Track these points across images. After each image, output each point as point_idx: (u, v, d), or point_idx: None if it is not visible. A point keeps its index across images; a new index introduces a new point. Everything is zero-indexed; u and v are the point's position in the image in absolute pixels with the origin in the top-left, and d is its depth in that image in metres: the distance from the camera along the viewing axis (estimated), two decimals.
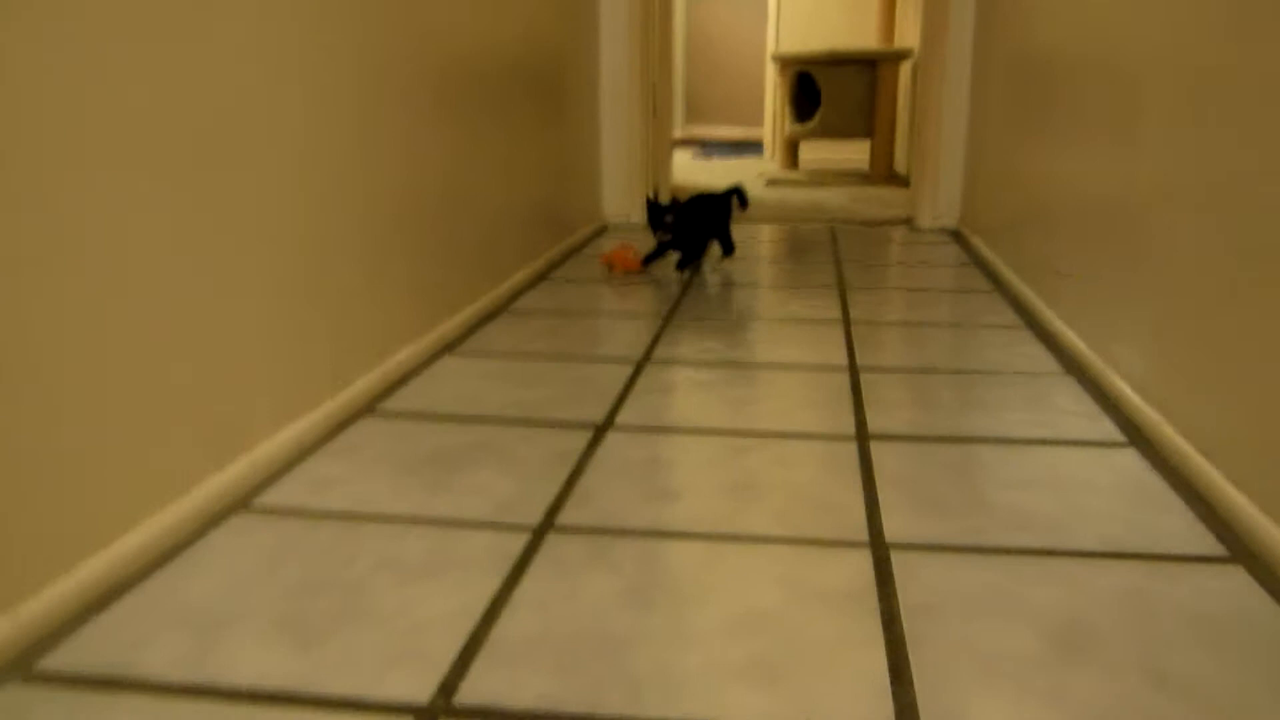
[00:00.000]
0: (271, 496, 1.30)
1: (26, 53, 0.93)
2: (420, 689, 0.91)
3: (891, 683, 0.92)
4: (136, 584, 1.08)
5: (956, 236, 3.32)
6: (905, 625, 1.01)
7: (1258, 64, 1.23)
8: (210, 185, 1.22)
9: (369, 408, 1.63)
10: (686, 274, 2.74)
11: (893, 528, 1.22)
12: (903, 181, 4.55)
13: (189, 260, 1.19)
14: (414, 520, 1.24)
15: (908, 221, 3.57)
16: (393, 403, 1.66)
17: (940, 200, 3.43)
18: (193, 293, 1.20)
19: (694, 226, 2.74)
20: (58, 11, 0.97)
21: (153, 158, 1.12)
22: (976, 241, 3.03)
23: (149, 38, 1.10)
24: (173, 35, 1.14)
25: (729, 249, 2.90)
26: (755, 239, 3.33)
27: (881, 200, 4.10)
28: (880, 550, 1.17)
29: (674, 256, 2.78)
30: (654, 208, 2.68)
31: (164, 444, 1.16)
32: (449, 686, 0.91)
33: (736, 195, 2.88)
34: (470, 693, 0.91)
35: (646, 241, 2.83)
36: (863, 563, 1.14)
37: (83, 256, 1.02)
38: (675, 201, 2.68)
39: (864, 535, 1.20)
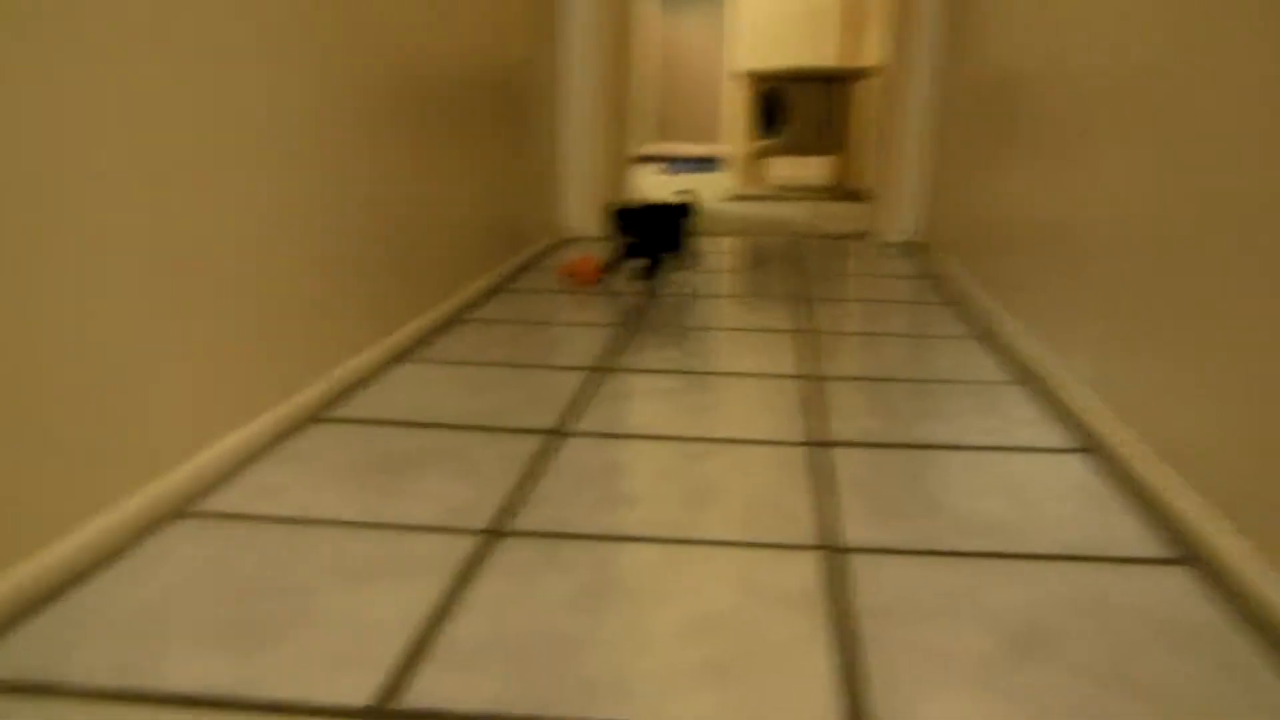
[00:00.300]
0: (215, 502, 1.27)
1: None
2: (365, 692, 0.89)
3: (846, 683, 0.90)
4: (71, 589, 1.05)
5: (918, 250, 3.34)
6: (861, 627, 1.00)
7: (1202, 88, 1.24)
8: (164, 191, 1.20)
9: (318, 415, 1.60)
10: (646, 284, 2.73)
11: (850, 532, 1.21)
12: (865, 197, 4.58)
13: (137, 263, 1.16)
14: (362, 525, 1.21)
15: (870, 235, 3.59)
16: (343, 410, 1.63)
17: (902, 215, 3.45)
18: (139, 295, 1.17)
19: (655, 233, 2.72)
20: (19, 32, 0.94)
21: (108, 163, 1.09)
22: (937, 255, 3.04)
23: (111, 49, 1.08)
24: (138, 46, 1.12)
25: (688, 260, 2.89)
26: (718, 251, 3.33)
27: (844, 215, 4.13)
28: (837, 554, 1.15)
29: (631, 268, 2.76)
30: (615, 214, 2.65)
31: (104, 447, 1.13)
32: (395, 689, 0.89)
33: (692, 209, 2.85)
34: (417, 696, 0.88)
35: (606, 252, 2.82)
36: (819, 566, 1.13)
37: (23, 255, 0.99)
38: (635, 207, 2.66)
39: (821, 539, 1.19)
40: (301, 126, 1.55)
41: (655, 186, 5.09)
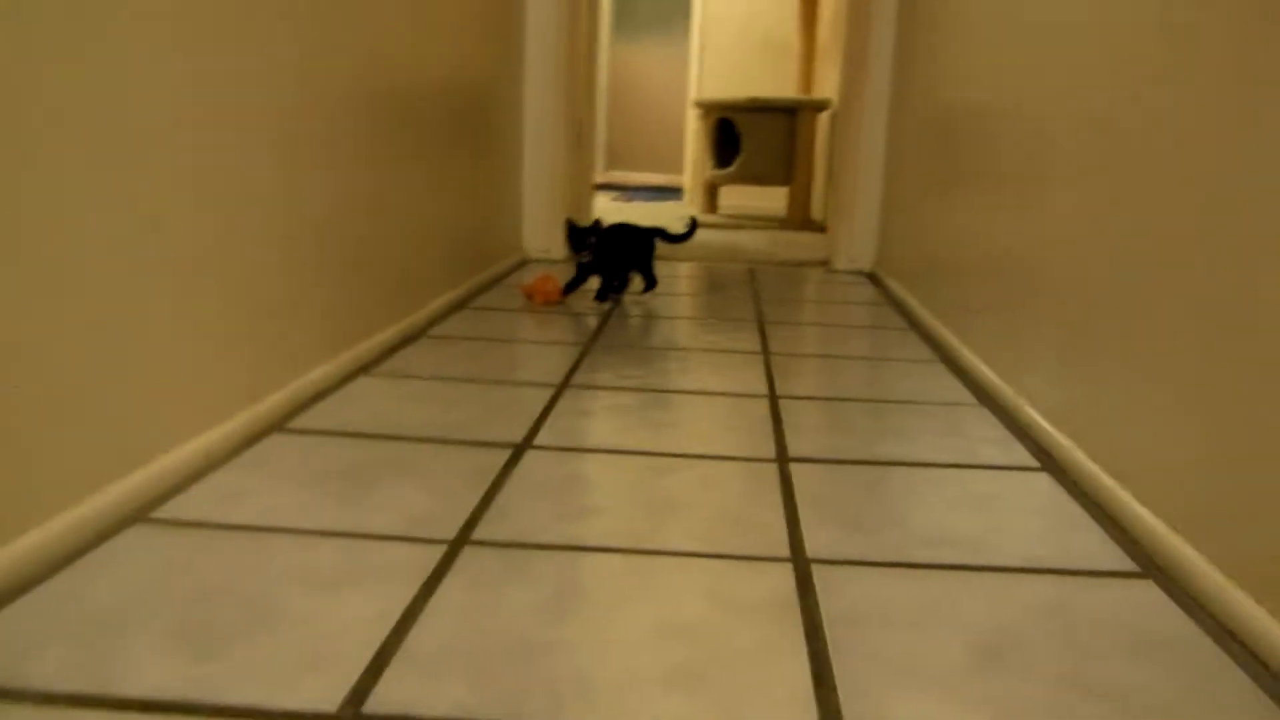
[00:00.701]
0: (175, 507, 1.24)
1: None
2: (329, 698, 0.87)
3: (815, 689, 0.90)
4: (27, 591, 1.02)
5: (872, 278, 3.38)
6: (828, 635, 1.00)
7: (1153, 122, 1.28)
8: (131, 193, 1.18)
9: (280, 424, 1.57)
10: (606, 304, 2.75)
11: (814, 544, 1.22)
12: (819, 227, 4.64)
13: (102, 264, 1.14)
14: (325, 533, 1.20)
15: (824, 263, 3.63)
16: (305, 420, 1.61)
17: (856, 243, 3.49)
18: (104, 297, 1.15)
19: (616, 253, 2.78)
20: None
21: (77, 162, 1.07)
22: (891, 283, 3.09)
23: (80, 50, 1.06)
24: (105, 48, 1.10)
25: (651, 283, 2.91)
26: (675, 276, 3.34)
27: (799, 244, 4.17)
28: (802, 565, 1.16)
29: (593, 287, 2.79)
30: (575, 230, 2.70)
31: (63, 448, 1.10)
32: (359, 694, 0.88)
33: (660, 234, 2.89)
34: (382, 701, 0.87)
35: (567, 273, 2.83)
36: (784, 577, 1.13)
37: None
38: (598, 224, 2.71)
39: (785, 551, 1.20)
40: (268, 135, 1.54)
41: (611, 213, 5.11)
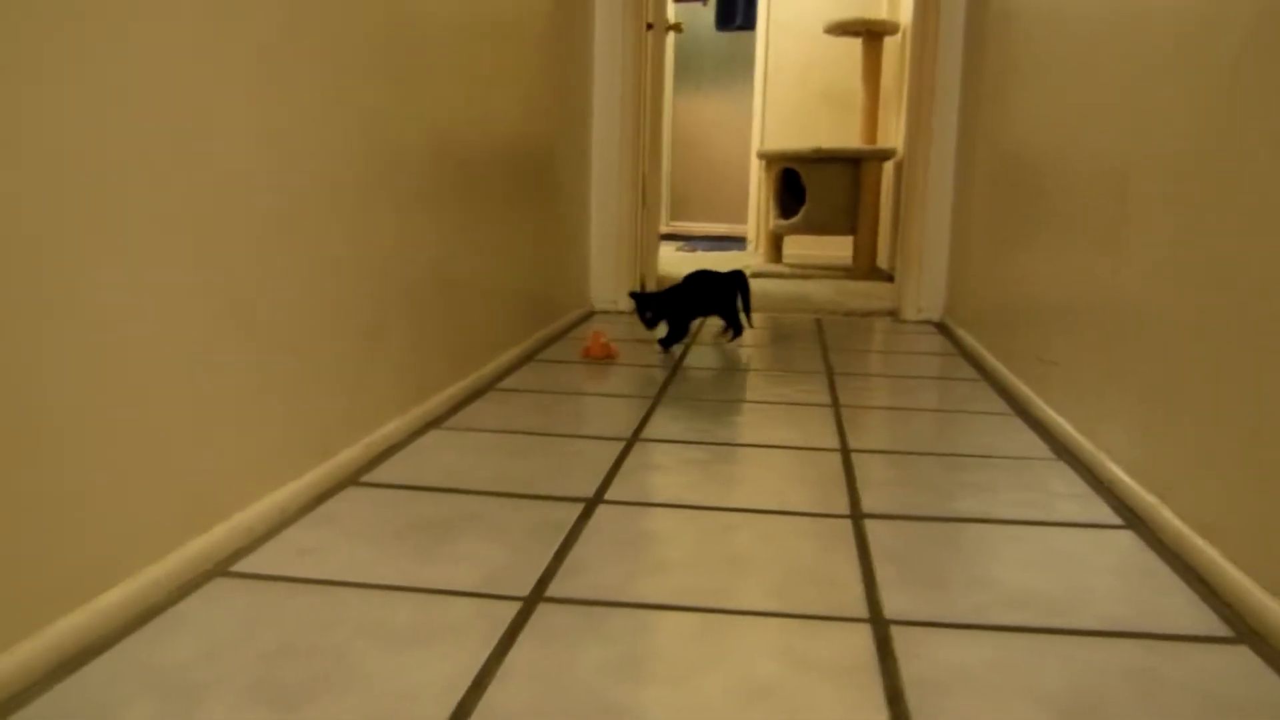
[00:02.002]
0: (252, 562, 1.26)
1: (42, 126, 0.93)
2: None
3: None
4: (110, 646, 1.03)
5: (941, 328, 3.34)
6: (910, 700, 0.98)
7: (1237, 156, 1.25)
8: (208, 256, 1.21)
9: (353, 479, 1.59)
10: (673, 351, 2.80)
11: (892, 604, 1.19)
12: (886, 276, 4.61)
13: (182, 321, 1.17)
14: (398, 588, 1.20)
15: (892, 313, 3.60)
16: (377, 474, 1.62)
17: (924, 293, 3.46)
18: (182, 357, 1.18)
19: (680, 306, 2.82)
20: (77, 76, 0.97)
21: (151, 225, 1.11)
22: (962, 333, 3.05)
23: (171, 106, 1.10)
24: (189, 114, 1.15)
25: (736, 329, 2.95)
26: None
27: (865, 293, 4.14)
28: (880, 626, 1.14)
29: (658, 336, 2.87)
30: (640, 298, 2.81)
31: (143, 505, 1.13)
32: None
33: (741, 277, 2.96)
34: None
35: (633, 324, 2.87)
36: (863, 638, 1.11)
37: (74, 312, 1.00)
38: (659, 290, 2.80)
39: (863, 611, 1.17)
40: (342, 195, 1.57)
41: (675, 263, 5.14)
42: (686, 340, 2.89)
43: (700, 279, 2.91)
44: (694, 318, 2.89)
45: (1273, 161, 1.19)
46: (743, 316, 2.95)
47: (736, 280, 2.95)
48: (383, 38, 1.69)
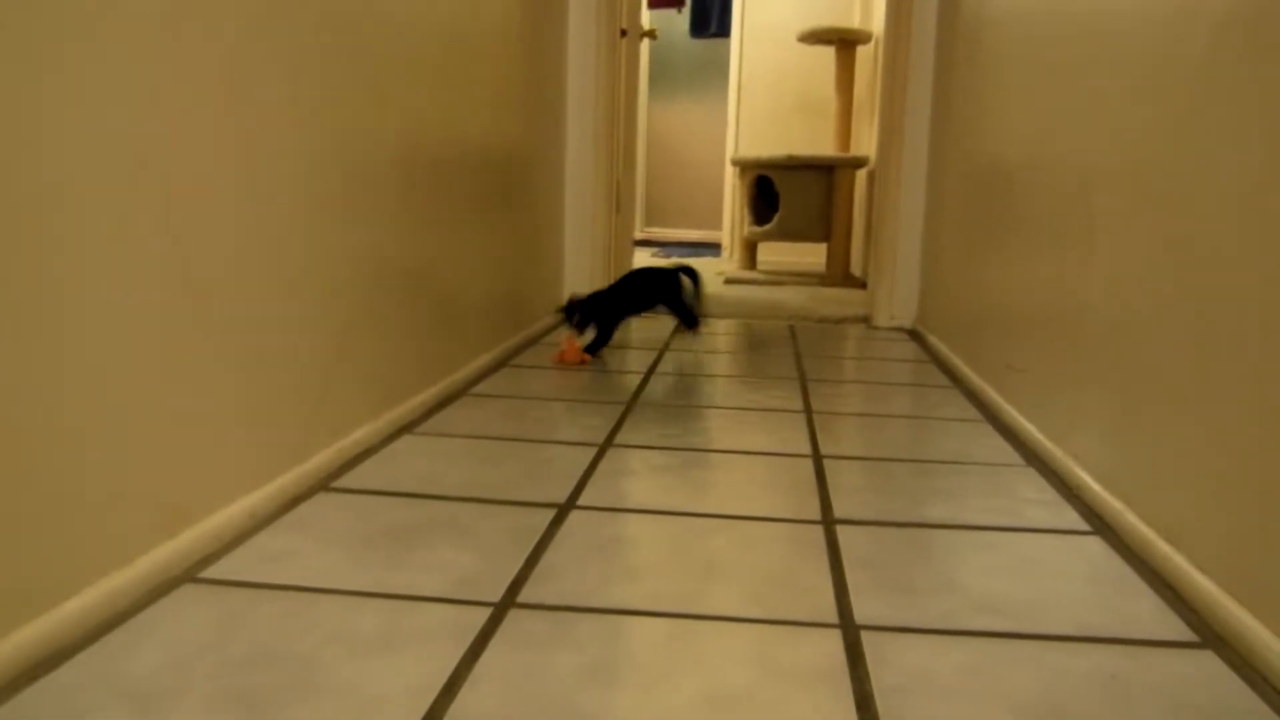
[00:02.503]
0: (221, 568, 1.25)
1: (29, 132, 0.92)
2: None
3: None
4: (76, 653, 1.02)
5: (913, 335, 3.36)
6: (879, 706, 0.98)
7: (1200, 163, 1.27)
8: (174, 262, 1.20)
9: (324, 484, 1.58)
10: (603, 356, 2.79)
11: (862, 610, 1.20)
12: (859, 283, 4.63)
13: (148, 328, 1.16)
14: (369, 594, 1.20)
15: (865, 320, 3.62)
16: (349, 479, 1.61)
17: (896, 300, 3.48)
18: (149, 362, 1.17)
19: (609, 307, 2.78)
20: (75, 94, 0.96)
21: (117, 232, 1.10)
22: (933, 340, 3.07)
23: (137, 116, 1.09)
24: (155, 123, 1.14)
25: (688, 321, 2.95)
26: (715, 333, 3.35)
27: (838, 300, 4.16)
28: (851, 631, 1.14)
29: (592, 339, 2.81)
30: (569, 306, 2.75)
31: (110, 511, 1.12)
32: None
33: (684, 272, 2.94)
34: None
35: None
36: (833, 644, 1.11)
37: (37, 321, 0.99)
38: (590, 295, 2.77)
39: (834, 617, 1.18)
40: (311, 202, 1.57)
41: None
42: (605, 343, 2.81)
43: (636, 276, 2.88)
44: (623, 318, 2.86)
45: (1234, 168, 1.20)
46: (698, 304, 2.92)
47: (681, 273, 2.92)
48: (352, 44, 1.69)
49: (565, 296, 3.40)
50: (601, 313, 2.76)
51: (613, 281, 2.82)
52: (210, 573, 1.24)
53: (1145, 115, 1.50)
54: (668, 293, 2.89)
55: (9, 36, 0.93)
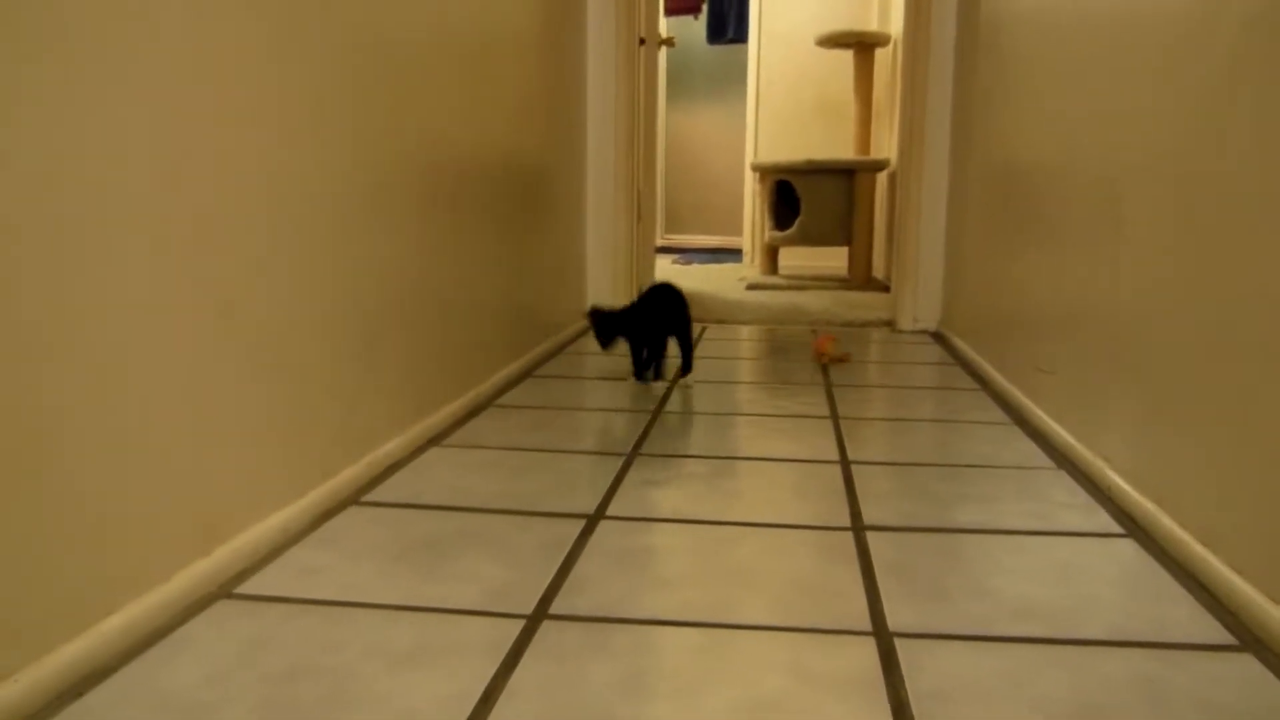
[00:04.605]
0: (255, 584, 1.26)
1: (42, 144, 0.94)
2: None
3: None
4: (115, 670, 1.03)
5: (938, 338, 3.35)
6: (915, 713, 0.98)
7: (1229, 163, 1.26)
8: (204, 277, 1.22)
9: (355, 498, 1.59)
10: (650, 376, 2.56)
11: (896, 616, 1.19)
12: (881, 287, 4.62)
13: (182, 345, 1.18)
14: (403, 608, 1.20)
15: (889, 324, 3.61)
16: (379, 493, 1.62)
17: (920, 303, 3.47)
18: (181, 379, 1.18)
19: (642, 325, 2.51)
20: (83, 108, 0.98)
21: (147, 248, 1.11)
22: (958, 342, 3.05)
23: (163, 127, 1.11)
24: (182, 137, 1.15)
25: (685, 365, 2.59)
26: (737, 339, 3.35)
27: (861, 304, 4.15)
28: (884, 638, 1.14)
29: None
30: (599, 317, 2.48)
31: (146, 528, 1.13)
32: None
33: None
34: None
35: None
36: (868, 651, 1.11)
37: (73, 336, 1.01)
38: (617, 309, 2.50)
39: (867, 624, 1.18)
40: (335, 214, 1.58)
41: (670, 276, 5.16)
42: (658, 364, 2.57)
43: (661, 294, 2.52)
44: (650, 340, 2.53)
45: (1265, 167, 1.20)
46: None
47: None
48: (376, 60, 1.70)
49: (588, 305, 3.41)
50: (628, 331, 2.50)
51: (638, 295, 2.50)
52: (245, 588, 1.25)
53: (1171, 115, 1.49)
54: (682, 323, 2.52)
55: (55, 64, 0.95)
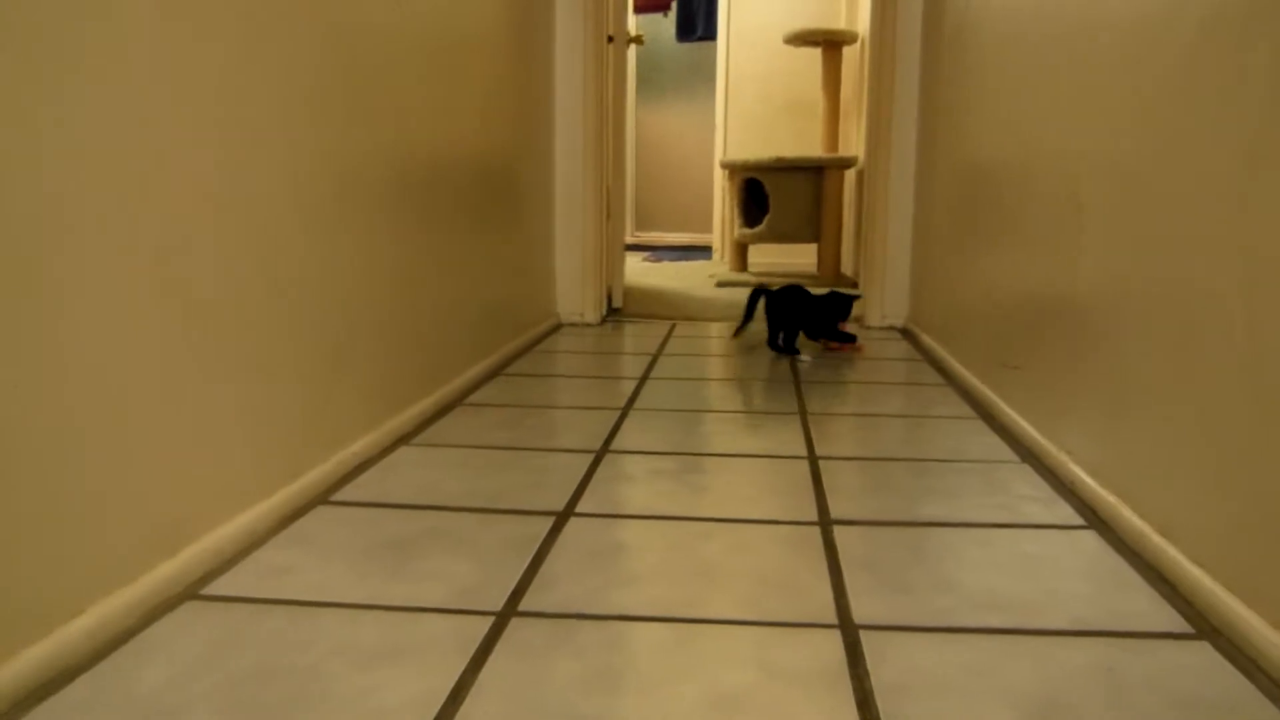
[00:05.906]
0: (222, 585, 1.26)
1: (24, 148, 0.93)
2: None
3: None
4: (81, 673, 1.03)
5: (905, 334, 3.38)
6: (879, 705, 0.99)
7: (1185, 162, 1.29)
8: (170, 278, 1.21)
9: (323, 497, 1.59)
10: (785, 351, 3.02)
11: (861, 609, 1.21)
12: (850, 283, 4.64)
13: (147, 345, 1.17)
14: (371, 606, 1.20)
15: (857, 320, 3.63)
16: (347, 492, 1.62)
17: (888, 300, 3.50)
18: (147, 379, 1.18)
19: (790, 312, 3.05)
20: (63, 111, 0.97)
21: (113, 250, 1.11)
22: (925, 338, 3.08)
23: (127, 133, 1.10)
24: (148, 139, 1.14)
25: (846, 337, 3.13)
26: (707, 335, 3.36)
27: None
28: (850, 631, 1.15)
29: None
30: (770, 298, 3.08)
31: (111, 530, 1.12)
32: None
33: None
34: None
35: (600, 340, 2.85)
36: (833, 644, 1.12)
37: (36, 338, 1.00)
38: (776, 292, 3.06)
39: (832, 617, 1.19)
40: (303, 215, 1.57)
41: (641, 274, 5.16)
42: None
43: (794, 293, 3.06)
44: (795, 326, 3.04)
45: (1217, 162, 1.22)
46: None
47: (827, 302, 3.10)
48: (341, 58, 1.70)
49: (557, 306, 3.41)
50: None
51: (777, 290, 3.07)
52: (212, 589, 1.24)
53: (1129, 114, 1.51)
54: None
55: (17, 62, 0.94)
